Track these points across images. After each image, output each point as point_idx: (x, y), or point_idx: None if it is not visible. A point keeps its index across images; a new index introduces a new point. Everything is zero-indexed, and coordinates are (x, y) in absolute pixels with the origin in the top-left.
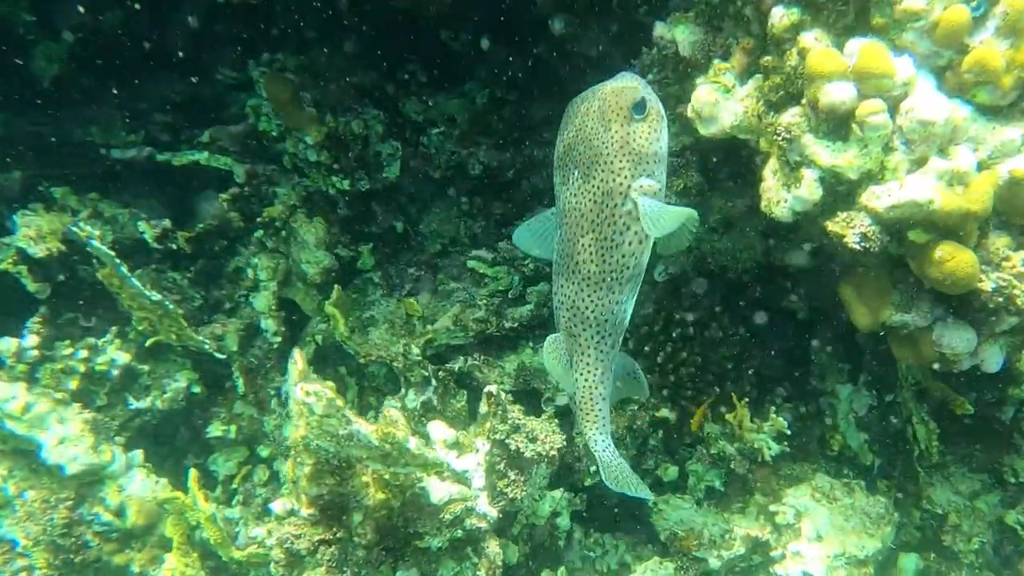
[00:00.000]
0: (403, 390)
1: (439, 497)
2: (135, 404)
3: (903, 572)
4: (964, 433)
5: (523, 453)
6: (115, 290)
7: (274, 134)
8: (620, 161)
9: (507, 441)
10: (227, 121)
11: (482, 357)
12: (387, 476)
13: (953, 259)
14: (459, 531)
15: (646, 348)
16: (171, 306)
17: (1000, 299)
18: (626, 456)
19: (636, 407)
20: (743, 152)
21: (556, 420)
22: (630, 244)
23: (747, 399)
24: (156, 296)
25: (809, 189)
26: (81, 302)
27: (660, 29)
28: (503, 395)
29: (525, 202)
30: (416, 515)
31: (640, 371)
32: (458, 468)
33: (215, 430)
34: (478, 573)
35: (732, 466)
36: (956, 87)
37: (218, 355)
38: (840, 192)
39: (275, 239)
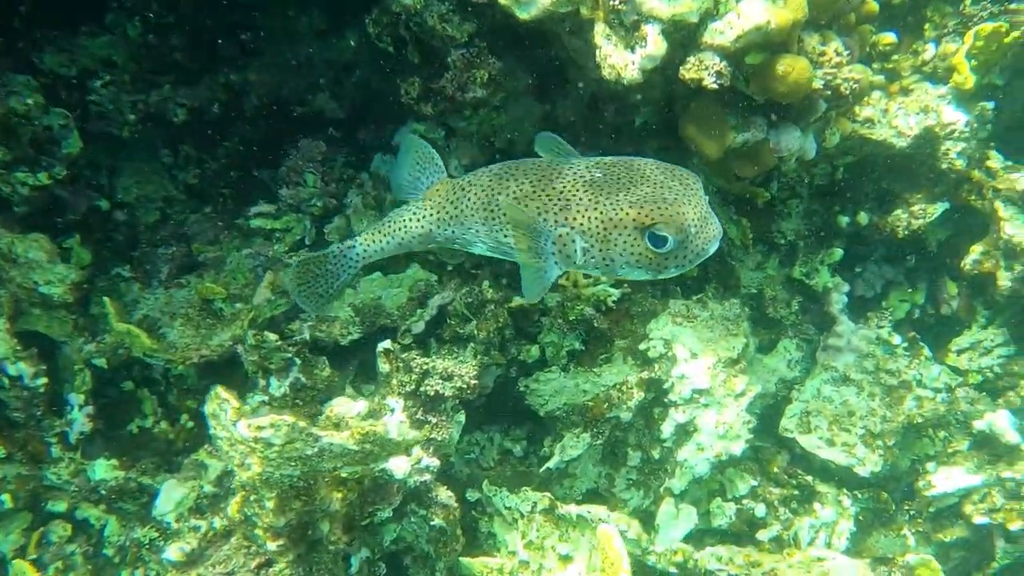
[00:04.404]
0: (262, 381)
1: (403, 472)
2: None
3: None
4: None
5: (444, 394)
6: None
7: None
8: (594, 224)
9: (420, 390)
10: None
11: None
12: (344, 474)
13: (794, 70)
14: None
15: None
16: None
17: (828, 92)
18: None
19: (493, 305)
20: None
21: (456, 350)
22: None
23: None
24: None
25: (656, 44)
26: None
27: None
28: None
29: (246, 136)
30: (377, 497)
31: None
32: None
33: None
34: (433, 522)
35: (595, 324)
36: None
37: None
38: (677, 40)
39: None
